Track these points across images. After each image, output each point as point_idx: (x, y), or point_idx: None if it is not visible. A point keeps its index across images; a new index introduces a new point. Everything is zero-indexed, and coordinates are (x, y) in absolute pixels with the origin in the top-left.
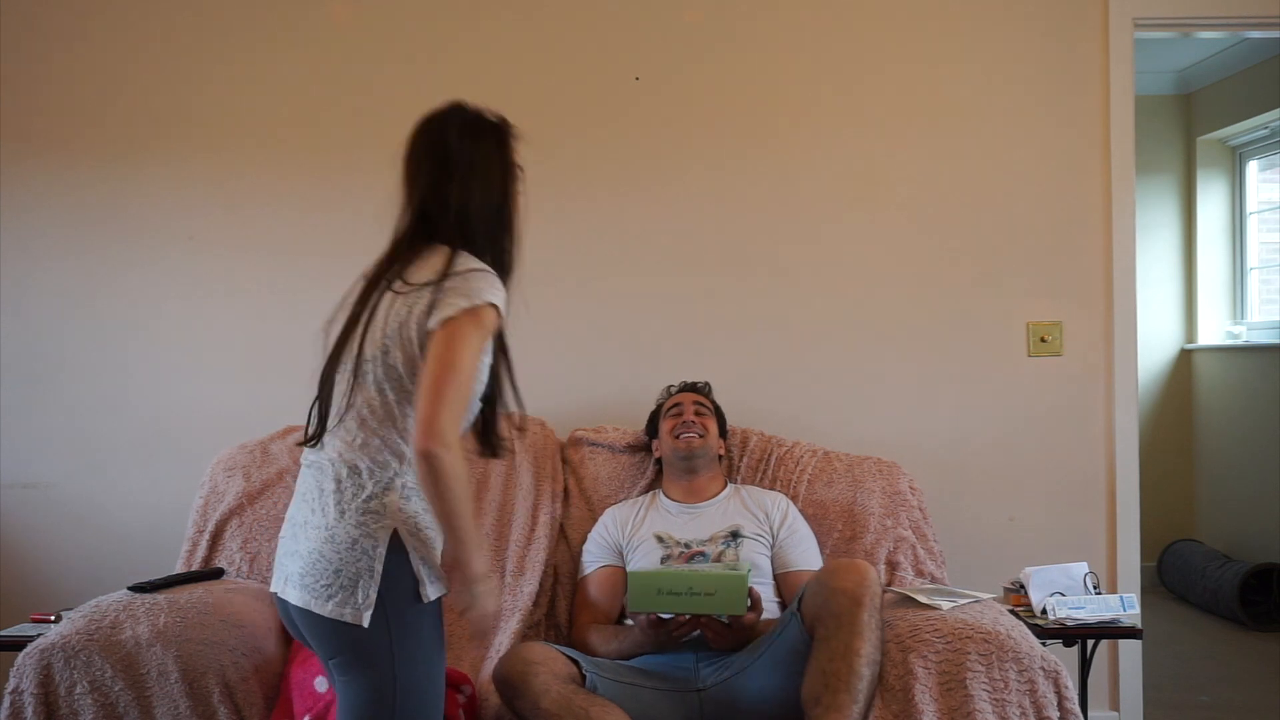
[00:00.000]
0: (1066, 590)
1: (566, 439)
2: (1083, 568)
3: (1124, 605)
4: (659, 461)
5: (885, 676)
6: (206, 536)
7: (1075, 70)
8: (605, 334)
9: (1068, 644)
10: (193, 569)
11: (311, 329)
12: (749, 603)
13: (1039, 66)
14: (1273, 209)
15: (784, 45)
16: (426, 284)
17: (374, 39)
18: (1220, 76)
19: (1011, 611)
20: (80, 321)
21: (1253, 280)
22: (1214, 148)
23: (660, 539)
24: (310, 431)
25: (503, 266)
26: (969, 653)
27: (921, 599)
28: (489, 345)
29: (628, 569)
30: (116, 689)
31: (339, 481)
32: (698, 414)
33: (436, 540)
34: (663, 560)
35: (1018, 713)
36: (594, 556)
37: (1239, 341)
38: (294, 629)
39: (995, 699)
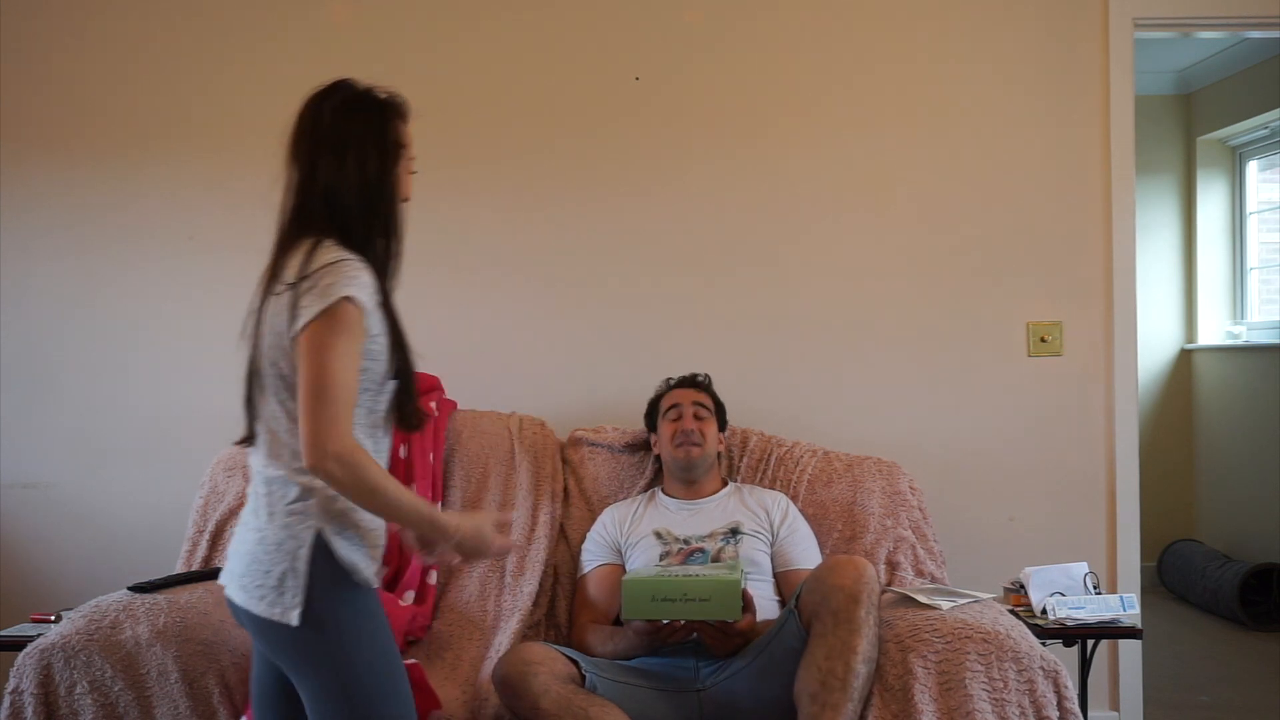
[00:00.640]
0: (1066, 590)
1: (566, 439)
2: (1083, 568)
3: (1124, 605)
4: (658, 459)
5: (885, 676)
6: (206, 536)
7: (1075, 70)
8: (605, 334)
9: (1068, 644)
10: (193, 569)
11: None
12: (744, 605)
13: (1039, 66)
14: (1273, 209)
15: (784, 44)
16: (290, 285)
17: (374, 40)
18: (1220, 76)
19: (1011, 611)
20: (80, 322)
21: (1253, 280)
22: (1214, 148)
23: (659, 535)
24: (244, 434)
25: (375, 252)
26: (969, 652)
27: (921, 599)
28: (365, 334)
29: (624, 576)
30: (116, 689)
31: (268, 485)
32: (697, 416)
33: (376, 523)
34: (661, 557)
35: (1017, 712)
36: (593, 555)
37: (1239, 341)
38: (244, 626)
39: (995, 699)
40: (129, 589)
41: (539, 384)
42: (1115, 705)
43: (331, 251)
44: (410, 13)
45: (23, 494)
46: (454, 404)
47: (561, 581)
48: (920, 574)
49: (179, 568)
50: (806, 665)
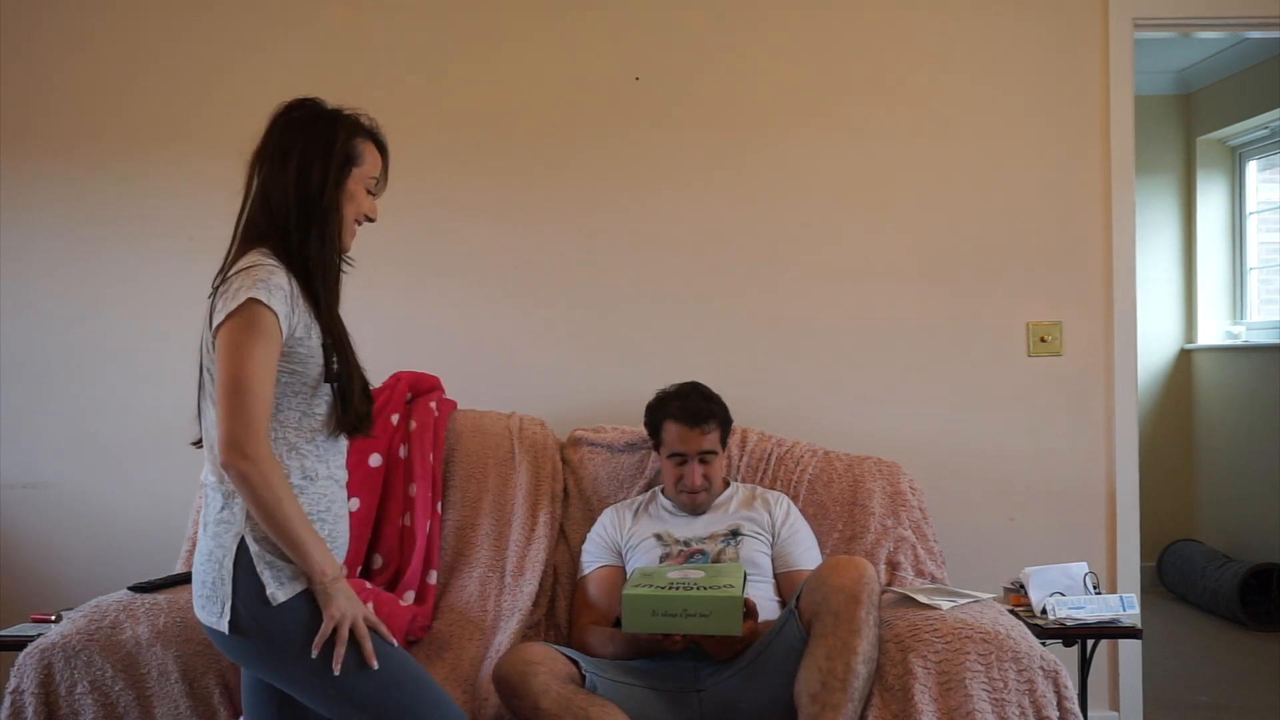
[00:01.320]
0: (1066, 590)
1: (566, 439)
2: (1082, 568)
3: (1124, 605)
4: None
5: (885, 676)
6: None
7: (1075, 70)
8: (604, 334)
9: (1067, 644)
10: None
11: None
12: (744, 613)
13: (1039, 67)
14: (1273, 209)
15: (784, 45)
16: (213, 289)
17: (374, 42)
18: (1220, 76)
19: (1011, 611)
20: (81, 322)
21: (1252, 280)
22: (1214, 148)
23: (659, 538)
24: (196, 439)
25: (307, 259)
26: (969, 652)
27: (921, 599)
28: (281, 337)
29: (624, 589)
30: (117, 689)
31: (205, 493)
32: (703, 460)
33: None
34: (661, 559)
35: (1017, 712)
36: (593, 556)
37: (1239, 341)
38: None
39: (995, 699)
40: (129, 589)
41: (539, 384)
42: (1115, 705)
43: (252, 257)
44: (410, 15)
45: (23, 494)
46: (454, 404)
47: (561, 582)
48: (920, 574)
49: (179, 568)
50: (807, 665)
